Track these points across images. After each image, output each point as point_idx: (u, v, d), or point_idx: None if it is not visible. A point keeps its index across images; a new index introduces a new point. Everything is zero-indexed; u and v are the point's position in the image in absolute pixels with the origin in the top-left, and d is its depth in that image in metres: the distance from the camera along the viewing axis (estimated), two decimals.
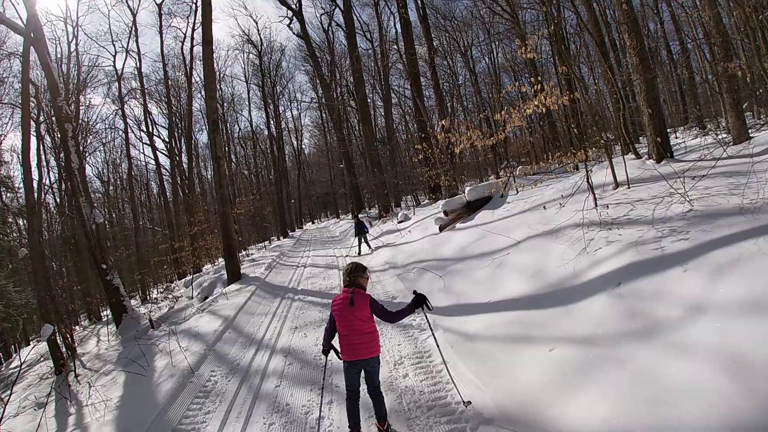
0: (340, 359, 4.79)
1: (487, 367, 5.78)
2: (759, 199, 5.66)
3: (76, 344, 13.83)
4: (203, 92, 30.13)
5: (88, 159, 34.90)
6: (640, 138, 19.33)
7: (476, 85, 30.21)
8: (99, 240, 14.46)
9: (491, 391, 5.20)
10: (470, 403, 5.03)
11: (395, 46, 31.33)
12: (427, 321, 6.06)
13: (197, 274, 21.15)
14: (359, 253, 17.62)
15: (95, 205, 16.08)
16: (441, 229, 14.22)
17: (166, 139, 35.39)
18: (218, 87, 43.21)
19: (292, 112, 77.45)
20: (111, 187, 41.71)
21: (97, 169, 47.94)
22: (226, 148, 46.67)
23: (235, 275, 15.76)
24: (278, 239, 41.30)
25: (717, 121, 16.98)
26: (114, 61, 38.27)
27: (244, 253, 33.94)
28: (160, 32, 32.61)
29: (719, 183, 6.87)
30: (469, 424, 4.74)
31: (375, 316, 4.75)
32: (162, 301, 18.63)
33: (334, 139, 45.41)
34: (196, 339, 9.58)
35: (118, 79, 33.02)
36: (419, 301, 4.86)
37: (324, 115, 50.25)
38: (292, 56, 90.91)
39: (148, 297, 26.10)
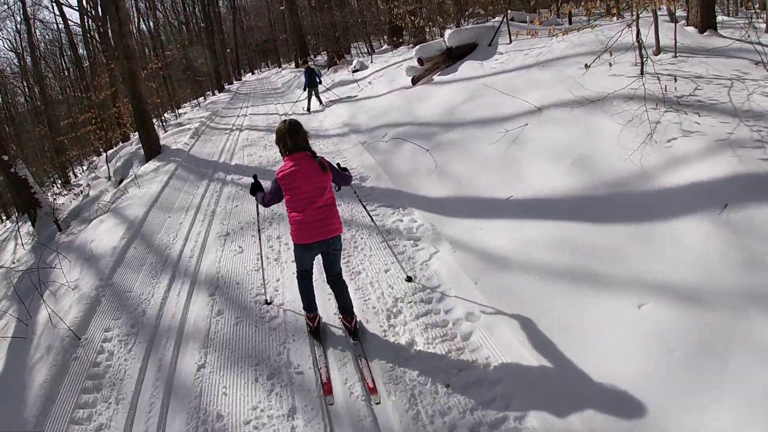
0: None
1: (541, 327, 3.44)
2: None
3: None
4: None
5: None
6: None
7: None
8: None
9: (566, 387, 2.95)
10: None
11: None
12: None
13: (122, 145, 17.50)
14: (308, 109, 14.45)
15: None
16: (414, 81, 11.20)
17: None
18: None
19: None
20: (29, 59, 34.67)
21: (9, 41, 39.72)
22: None
23: (152, 149, 12.46)
24: (213, 94, 36.90)
25: None
26: None
27: (173, 114, 30.04)
28: None
29: None
30: None
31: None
32: (72, 190, 15.15)
33: None
34: (90, 264, 6.44)
35: None
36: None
37: None
38: None
39: (70, 181, 22.12)
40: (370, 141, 8.88)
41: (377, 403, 3.18)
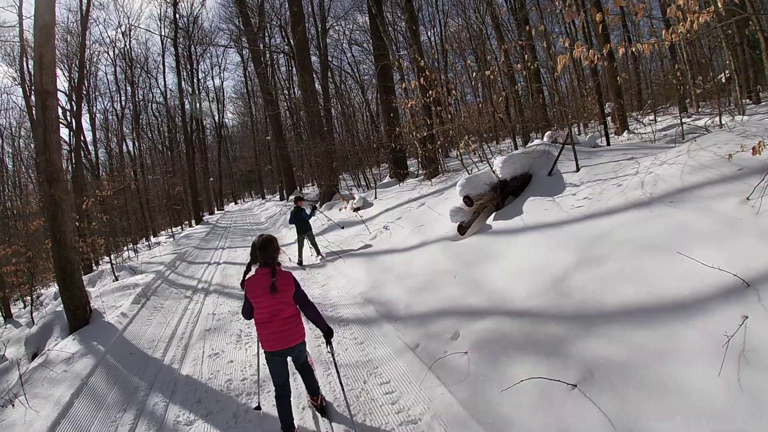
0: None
1: None
2: None
3: None
4: None
5: None
6: None
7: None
8: None
9: None
10: None
11: None
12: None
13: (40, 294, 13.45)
14: (300, 262, 10.77)
15: None
16: (463, 229, 7.74)
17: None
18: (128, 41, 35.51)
19: (213, 81, 70.04)
20: None
21: None
22: (142, 118, 38.54)
23: (77, 317, 8.49)
24: (190, 225, 33.61)
25: None
26: None
27: (146, 244, 26.66)
28: None
29: None
30: None
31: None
32: None
33: (259, 102, 38.04)
34: None
35: None
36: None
37: (249, 83, 42.93)
38: (215, 15, 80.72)
39: None
40: (427, 344, 5.12)
41: None
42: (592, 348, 3.91)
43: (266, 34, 32.55)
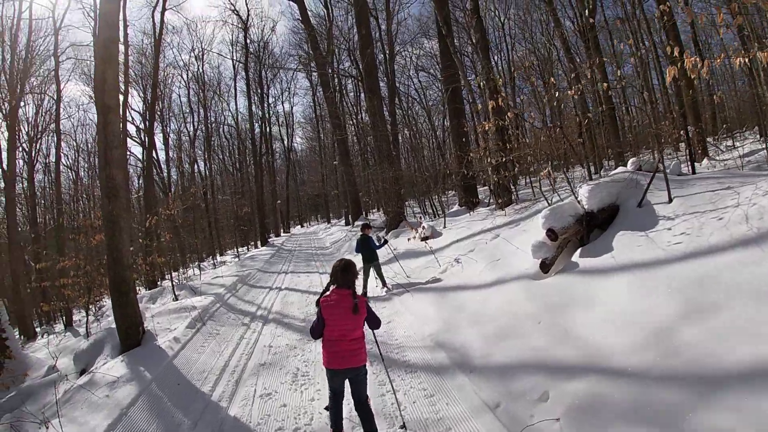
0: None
1: None
2: None
3: None
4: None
5: None
6: None
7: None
8: None
9: None
10: None
11: None
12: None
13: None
14: (365, 293, 10.29)
15: None
16: (546, 266, 6.99)
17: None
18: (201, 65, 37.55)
19: (283, 106, 72.25)
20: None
21: None
22: (213, 139, 39.86)
23: (130, 336, 8.25)
24: (256, 247, 34.06)
25: None
26: None
27: (212, 262, 27.16)
28: None
29: None
30: None
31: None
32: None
33: (327, 127, 38.51)
34: None
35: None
36: None
37: (318, 108, 43.71)
38: (285, 40, 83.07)
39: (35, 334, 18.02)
40: (510, 404, 4.42)
41: None
42: (711, 421, 3.17)
43: (335, 59, 32.95)
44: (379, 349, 5.24)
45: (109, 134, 8.23)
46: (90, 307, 12.22)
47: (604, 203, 7.33)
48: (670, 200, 6.57)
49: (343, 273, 4.21)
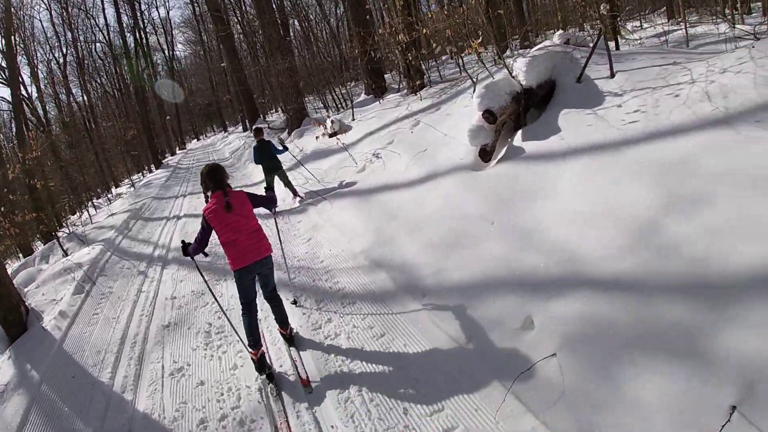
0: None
1: None
2: None
3: None
4: None
5: None
6: None
7: None
8: None
9: None
10: None
11: None
12: None
13: None
14: (274, 211, 8.97)
15: None
16: (486, 154, 5.99)
17: None
18: None
19: (158, 12, 64.70)
20: None
21: None
22: (87, 63, 35.40)
23: (12, 324, 6.55)
24: (150, 171, 31.37)
25: None
26: None
27: (106, 197, 24.74)
28: None
29: None
30: None
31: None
32: None
33: (210, 29, 34.74)
34: None
35: None
36: None
37: (196, 8, 39.34)
38: None
39: None
40: (485, 338, 3.51)
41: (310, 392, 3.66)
42: (742, 344, 2.46)
43: None
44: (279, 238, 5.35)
45: None
46: None
47: (542, 78, 6.36)
48: (613, 75, 5.75)
49: (210, 176, 4.12)
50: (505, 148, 5.95)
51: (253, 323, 4.17)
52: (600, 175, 4.31)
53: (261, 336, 4.21)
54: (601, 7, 7.93)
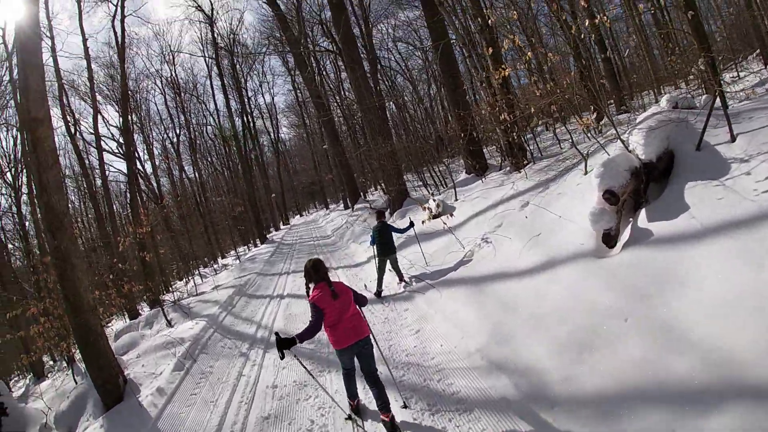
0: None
1: None
2: None
3: None
4: None
5: None
6: None
7: None
8: None
9: None
10: None
11: None
12: None
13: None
14: (379, 292, 8.84)
15: None
16: (610, 239, 5.55)
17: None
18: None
19: (264, 98, 70.48)
20: None
21: None
22: (199, 143, 38.90)
23: (109, 393, 6.90)
24: (255, 245, 32.96)
25: None
26: None
27: (213, 267, 26.60)
28: None
29: None
30: None
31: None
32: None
33: (311, 112, 37.01)
34: None
35: None
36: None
37: (299, 94, 42.33)
38: (255, 31, 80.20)
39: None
40: None
41: None
42: None
43: (308, 39, 31.05)
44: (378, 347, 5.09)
45: (42, 153, 6.67)
46: (70, 352, 10.51)
47: (660, 150, 5.93)
48: (733, 138, 5.26)
49: (315, 270, 4.62)
50: (628, 231, 5.47)
51: (351, 381, 4.84)
52: (743, 260, 3.79)
53: (357, 390, 4.90)
54: (699, 62, 7.41)
